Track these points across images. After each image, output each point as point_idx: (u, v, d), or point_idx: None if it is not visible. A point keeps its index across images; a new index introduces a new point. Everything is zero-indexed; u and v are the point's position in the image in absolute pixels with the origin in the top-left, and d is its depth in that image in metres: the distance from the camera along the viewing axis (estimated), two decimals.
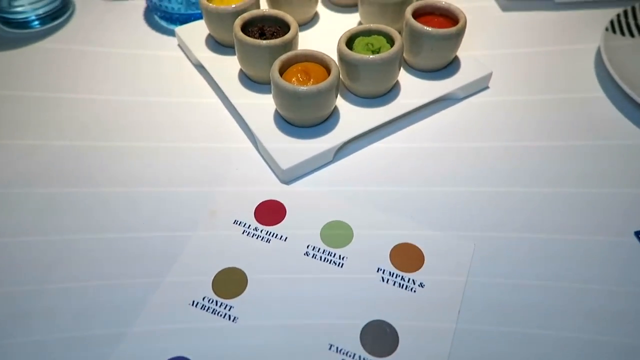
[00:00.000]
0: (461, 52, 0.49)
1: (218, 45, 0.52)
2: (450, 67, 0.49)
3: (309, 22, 0.55)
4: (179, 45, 0.55)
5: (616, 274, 0.36)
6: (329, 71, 0.42)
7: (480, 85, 0.49)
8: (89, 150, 0.45)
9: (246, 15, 0.47)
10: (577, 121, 0.47)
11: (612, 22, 0.53)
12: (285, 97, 0.41)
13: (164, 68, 0.53)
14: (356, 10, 0.54)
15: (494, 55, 0.53)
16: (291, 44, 0.45)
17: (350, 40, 0.46)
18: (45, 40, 0.57)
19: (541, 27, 0.57)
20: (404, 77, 0.48)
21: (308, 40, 0.52)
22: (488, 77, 0.49)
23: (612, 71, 0.47)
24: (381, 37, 0.45)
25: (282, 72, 0.43)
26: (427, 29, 0.45)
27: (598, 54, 0.53)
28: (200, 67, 0.52)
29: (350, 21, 0.55)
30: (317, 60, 0.43)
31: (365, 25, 0.46)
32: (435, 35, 0.45)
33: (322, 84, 0.40)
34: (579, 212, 0.40)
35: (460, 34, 0.46)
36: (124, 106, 0.49)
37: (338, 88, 0.43)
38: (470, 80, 0.48)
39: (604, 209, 0.40)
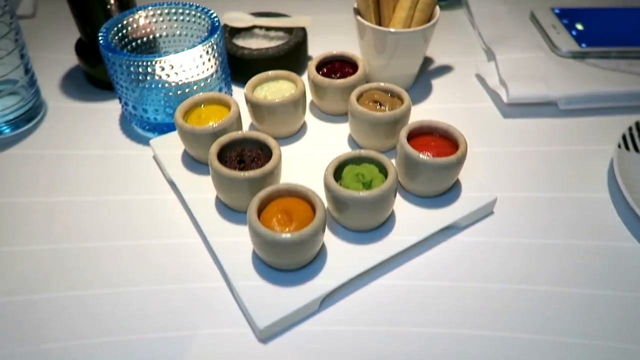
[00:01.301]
0: (462, 173, 0.44)
1: (195, 162, 0.47)
2: (450, 192, 0.44)
3: (297, 133, 0.51)
4: (154, 157, 0.51)
5: None
6: (313, 208, 0.38)
7: (484, 212, 0.44)
8: (40, 302, 0.40)
9: (224, 140, 0.42)
10: (591, 251, 0.42)
11: (624, 137, 0.48)
12: (263, 243, 0.36)
13: (136, 181, 0.48)
14: (347, 119, 0.50)
15: (497, 174, 0.48)
16: (272, 174, 0.40)
17: (339, 167, 0.41)
18: (14, 147, 0.52)
19: (547, 137, 0.52)
20: (399, 205, 0.43)
21: (294, 155, 0.47)
22: (493, 202, 0.44)
23: (629, 199, 0.43)
24: (373, 166, 0.41)
25: (261, 209, 0.38)
26: (424, 158, 0.40)
27: (611, 170, 0.48)
28: (174, 184, 0.47)
29: (341, 131, 0.51)
30: (301, 196, 0.39)
31: (356, 152, 0.41)
32: (433, 165, 0.40)
33: (305, 231, 0.35)
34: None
35: (460, 162, 0.41)
36: (85, 226, 0.44)
37: (324, 229, 0.38)
38: (474, 209, 0.43)
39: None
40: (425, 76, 0.60)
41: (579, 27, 0.61)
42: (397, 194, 0.43)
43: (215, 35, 0.48)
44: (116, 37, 0.51)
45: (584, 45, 0.58)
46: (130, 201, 0.47)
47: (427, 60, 0.62)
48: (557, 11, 0.64)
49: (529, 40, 0.61)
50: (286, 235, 0.35)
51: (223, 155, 0.42)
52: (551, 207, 0.46)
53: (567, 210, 0.45)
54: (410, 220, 0.42)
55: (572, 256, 0.42)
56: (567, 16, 0.63)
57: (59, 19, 0.62)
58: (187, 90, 0.49)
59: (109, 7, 0.53)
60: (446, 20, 0.53)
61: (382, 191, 0.38)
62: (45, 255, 0.42)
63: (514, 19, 0.66)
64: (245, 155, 0.42)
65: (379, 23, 0.54)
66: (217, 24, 0.50)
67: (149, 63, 0.46)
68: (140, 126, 0.53)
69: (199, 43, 0.47)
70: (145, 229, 0.44)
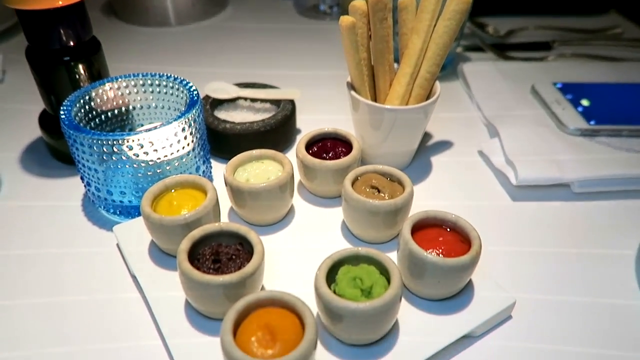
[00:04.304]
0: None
1: (162, 254, 0.41)
2: (462, 294, 0.38)
3: (283, 219, 0.44)
4: (117, 244, 0.44)
5: None
6: (302, 322, 0.31)
7: (501, 317, 0.38)
8: None
9: (197, 234, 0.36)
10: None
11: None
12: None
13: (96, 274, 0.42)
14: (340, 202, 0.44)
15: (511, 268, 0.42)
16: (253, 277, 0.34)
17: (333, 267, 0.35)
18: None
19: (563, 224, 0.47)
20: (403, 310, 0.36)
21: (280, 248, 0.41)
22: (511, 306, 0.38)
23: None
24: (372, 268, 0.34)
25: (238, 323, 0.31)
26: (431, 257, 0.34)
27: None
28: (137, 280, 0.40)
29: (333, 217, 0.45)
30: (287, 307, 0.32)
31: (353, 250, 0.35)
32: (442, 266, 0.34)
33: (291, 358, 0.28)
34: None
35: (474, 263, 0.35)
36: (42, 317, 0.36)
37: (315, 349, 0.31)
38: (490, 315, 0.36)
39: None
40: (423, 152, 0.56)
41: (585, 103, 0.58)
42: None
43: (193, 111, 0.43)
44: (82, 110, 0.46)
45: (592, 122, 0.54)
46: (88, 299, 0.40)
47: (425, 135, 0.58)
48: (559, 86, 0.61)
49: (533, 116, 0.58)
50: None
51: (195, 252, 0.36)
52: (575, 309, 0.39)
53: (594, 314, 0.39)
54: (417, 330, 0.35)
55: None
56: (571, 91, 0.60)
57: (28, 87, 0.57)
58: (158, 170, 0.43)
59: (77, 77, 0.48)
60: (442, 91, 0.49)
61: (385, 302, 0.31)
62: None
63: (514, 93, 0.62)
64: (221, 253, 0.35)
65: (375, 97, 0.50)
66: (195, 97, 0.45)
67: (114, 142, 0.40)
68: (105, 209, 0.47)
69: (174, 119, 0.42)
70: (101, 330, 0.37)
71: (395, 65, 0.50)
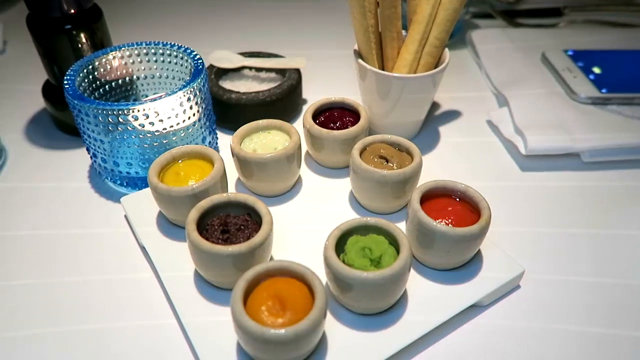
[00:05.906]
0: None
1: (170, 225, 0.41)
2: (470, 264, 0.38)
3: (290, 190, 0.44)
4: (125, 216, 0.44)
5: None
6: (311, 291, 0.31)
7: (510, 287, 0.38)
8: None
9: (205, 204, 0.36)
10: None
11: None
12: (249, 339, 0.29)
13: (103, 246, 0.42)
14: (348, 173, 0.44)
15: (520, 239, 0.42)
16: (262, 247, 0.34)
17: (342, 237, 0.35)
18: None
19: (573, 194, 0.46)
20: (412, 280, 0.36)
21: (288, 219, 0.41)
22: (520, 276, 0.38)
23: None
24: (381, 238, 0.34)
25: (248, 292, 0.31)
26: (441, 227, 0.34)
27: None
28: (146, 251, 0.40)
29: (341, 188, 0.44)
30: (297, 276, 0.32)
31: (362, 220, 0.35)
32: (452, 236, 0.34)
33: (302, 325, 0.28)
34: None
35: (483, 232, 0.35)
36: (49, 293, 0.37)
37: (325, 318, 0.31)
38: (499, 285, 0.36)
39: None
40: (431, 122, 0.55)
41: (597, 70, 0.57)
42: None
43: (198, 80, 0.42)
44: (86, 80, 0.45)
45: (604, 90, 0.53)
46: (97, 271, 0.40)
47: (434, 104, 0.57)
48: (570, 53, 0.60)
49: (543, 84, 0.57)
50: (278, 331, 0.28)
51: (204, 223, 0.36)
52: (584, 279, 0.39)
53: (603, 285, 0.39)
54: (425, 299, 0.35)
55: (613, 342, 0.35)
56: (582, 59, 0.59)
57: (30, 57, 0.57)
58: (164, 140, 0.43)
59: (79, 46, 0.47)
60: (450, 59, 0.48)
61: (394, 271, 0.31)
62: None
63: (523, 60, 0.61)
64: (230, 224, 0.35)
65: (382, 66, 0.49)
66: (200, 66, 0.44)
67: (120, 112, 0.40)
68: (111, 180, 0.46)
69: (179, 89, 0.41)
70: (109, 305, 0.37)
71: (404, 32, 0.49)
